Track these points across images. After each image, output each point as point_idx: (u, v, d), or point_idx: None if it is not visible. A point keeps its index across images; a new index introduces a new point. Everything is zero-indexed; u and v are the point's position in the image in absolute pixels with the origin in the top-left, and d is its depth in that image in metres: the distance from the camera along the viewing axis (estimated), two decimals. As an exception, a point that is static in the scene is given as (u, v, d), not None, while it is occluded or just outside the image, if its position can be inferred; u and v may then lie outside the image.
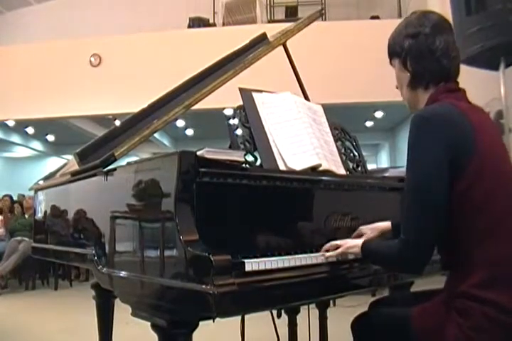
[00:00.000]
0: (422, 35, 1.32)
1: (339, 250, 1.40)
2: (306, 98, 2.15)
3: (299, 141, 1.70)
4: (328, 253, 1.40)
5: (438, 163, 1.19)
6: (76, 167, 1.91)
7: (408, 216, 1.22)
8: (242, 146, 1.62)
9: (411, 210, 1.21)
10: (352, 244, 1.40)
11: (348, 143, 2.02)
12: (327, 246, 1.44)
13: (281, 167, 1.63)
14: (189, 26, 7.50)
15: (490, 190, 1.20)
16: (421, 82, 1.35)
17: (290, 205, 1.51)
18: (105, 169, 1.61)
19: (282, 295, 1.22)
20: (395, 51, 1.39)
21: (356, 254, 1.39)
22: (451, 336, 1.15)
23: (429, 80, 1.34)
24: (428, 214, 1.19)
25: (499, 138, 1.36)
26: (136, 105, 1.98)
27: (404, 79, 1.39)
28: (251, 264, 1.17)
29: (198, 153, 1.30)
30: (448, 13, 3.16)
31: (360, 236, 1.57)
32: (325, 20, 7.52)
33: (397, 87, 1.46)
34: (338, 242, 1.43)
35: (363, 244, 1.37)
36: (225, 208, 1.32)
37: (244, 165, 1.50)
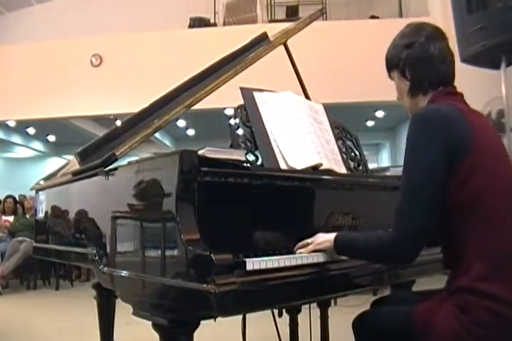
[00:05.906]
0: (418, 43, 1.37)
1: (309, 247, 1.37)
2: (307, 97, 2.15)
3: (300, 140, 1.70)
4: (299, 250, 1.38)
5: (434, 159, 1.21)
6: (77, 167, 1.91)
7: (401, 209, 1.23)
8: (243, 145, 1.62)
9: (404, 204, 1.22)
10: (322, 240, 1.36)
11: (349, 142, 2.02)
12: (299, 245, 1.40)
13: (283, 166, 1.62)
14: (190, 26, 7.49)
15: (484, 186, 1.21)
16: (420, 89, 1.39)
17: (291, 204, 1.51)
18: (106, 168, 1.61)
19: (284, 295, 1.22)
20: (393, 63, 1.44)
21: (328, 249, 1.35)
22: (453, 332, 1.15)
23: (428, 86, 1.38)
24: (418, 208, 1.20)
25: (498, 139, 1.37)
26: (137, 105, 1.98)
27: (404, 88, 1.43)
28: (252, 263, 1.16)
29: (199, 152, 1.30)
30: (449, 12, 3.16)
31: None
32: (326, 19, 7.52)
33: (398, 99, 1.50)
34: (309, 240, 1.39)
35: (336, 237, 1.34)
36: (226, 207, 1.32)
37: (245, 164, 1.49)
